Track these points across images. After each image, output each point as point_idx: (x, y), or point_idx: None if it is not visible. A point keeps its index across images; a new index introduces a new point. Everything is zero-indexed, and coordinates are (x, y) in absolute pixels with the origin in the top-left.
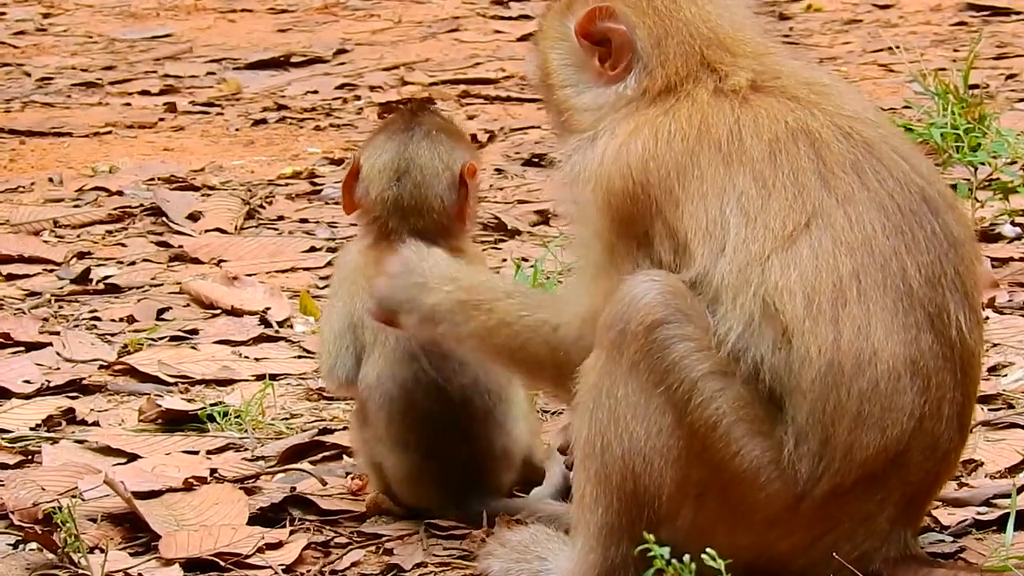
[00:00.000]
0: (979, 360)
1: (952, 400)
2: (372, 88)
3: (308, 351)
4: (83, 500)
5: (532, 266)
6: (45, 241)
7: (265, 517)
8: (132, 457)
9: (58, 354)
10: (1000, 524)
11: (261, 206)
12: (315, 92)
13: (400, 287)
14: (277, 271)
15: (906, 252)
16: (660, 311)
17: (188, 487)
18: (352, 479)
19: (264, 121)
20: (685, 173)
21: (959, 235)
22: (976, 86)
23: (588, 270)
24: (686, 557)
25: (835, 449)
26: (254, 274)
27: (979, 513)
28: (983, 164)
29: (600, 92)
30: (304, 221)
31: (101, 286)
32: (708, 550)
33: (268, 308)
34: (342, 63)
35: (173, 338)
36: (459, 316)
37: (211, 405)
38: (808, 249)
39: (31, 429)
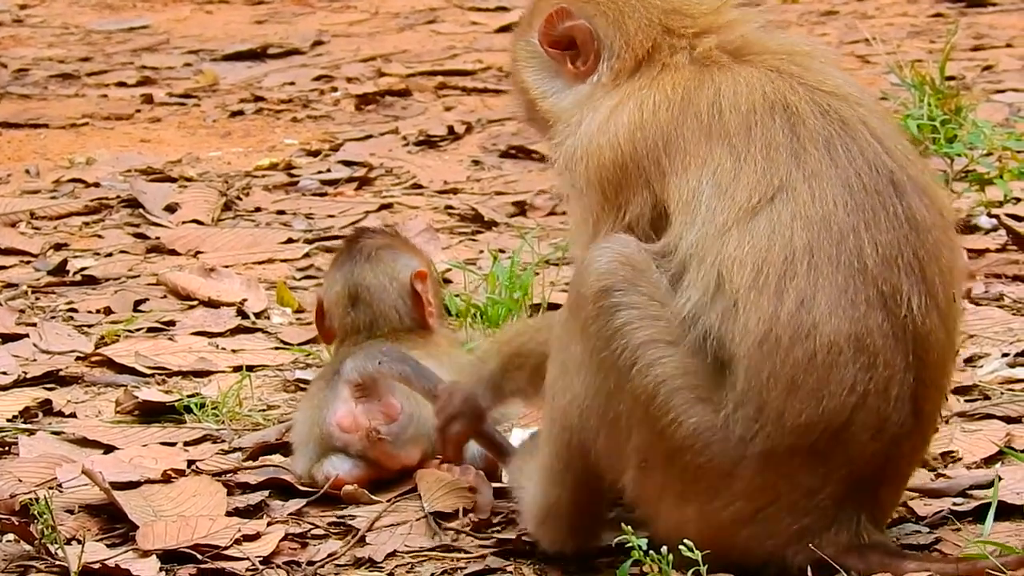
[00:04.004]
0: (939, 346)
1: (902, 381)
2: (349, 80)
3: (285, 342)
4: (60, 491)
5: (509, 257)
6: (22, 233)
7: (242, 508)
8: (109, 448)
9: (35, 345)
10: (976, 515)
11: (238, 197)
12: (292, 83)
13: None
14: (254, 262)
15: (864, 230)
16: (608, 278)
17: (166, 479)
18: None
19: (241, 112)
20: (670, 143)
21: (924, 220)
22: (952, 77)
23: (580, 245)
24: (663, 548)
25: (768, 414)
26: (231, 265)
27: (955, 504)
28: (959, 155)
29: (579, 89)
30: (281, 212)
31: (78, 277)
32: (685, 541)
33: (245, 299)
34: (319, 55)
35: (150, 329)
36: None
37: (188, 396)
38: (766, 222)
39: (8, 420)
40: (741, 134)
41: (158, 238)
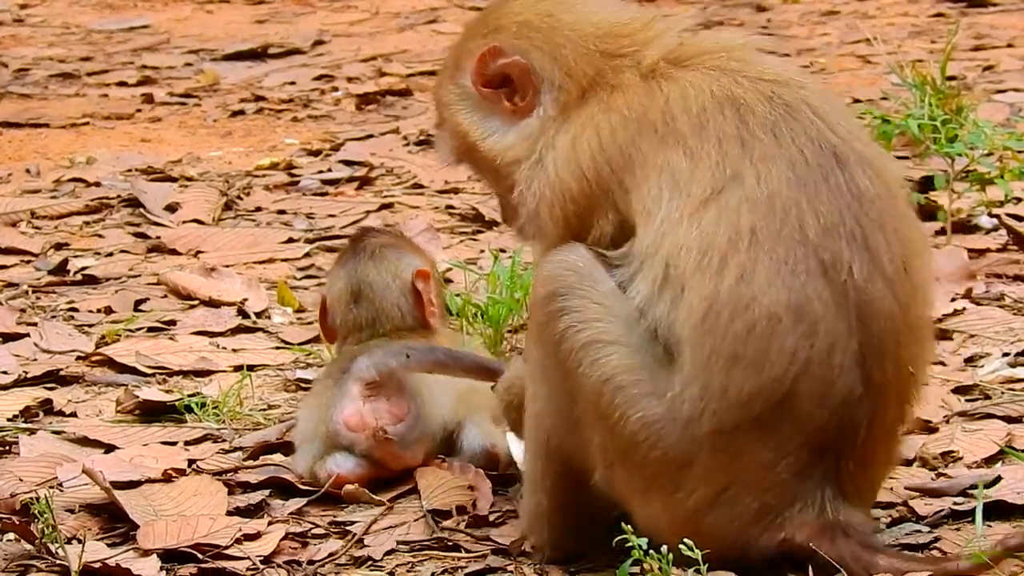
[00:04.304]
0: (888, 314)
1: (845, 348)
2: (350, 79)
3: (285, 342)
4: (61, 491)
5: (510, 257)
6: (22, 232)
7: (243, 508)
8: (110, 448)
9: (35, 345)
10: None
11: (239, 197)
12: (293, 83)
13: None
14: (255, 262)
15: (807, 203)
16: (552, 284)
17: (167, 478)
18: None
19: (242, 112)
20: (631, 160)
21: (867, 190)
22: (953, 77)
23: None
24: (663, 547)
25: (712, 391)
26: (232, 265)
27: (956, 503)
28: (960, 155)
29: (524, 124)
30: (282, 212)
31: (78, 277)
32: (685, 540)
33: (246, 299)
34: (320, 54)
35: (151, 329)
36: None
37: (189, 396)
38: (715, 210)
39: (8, 420)
40: (695, 134)
41: (159, 238)
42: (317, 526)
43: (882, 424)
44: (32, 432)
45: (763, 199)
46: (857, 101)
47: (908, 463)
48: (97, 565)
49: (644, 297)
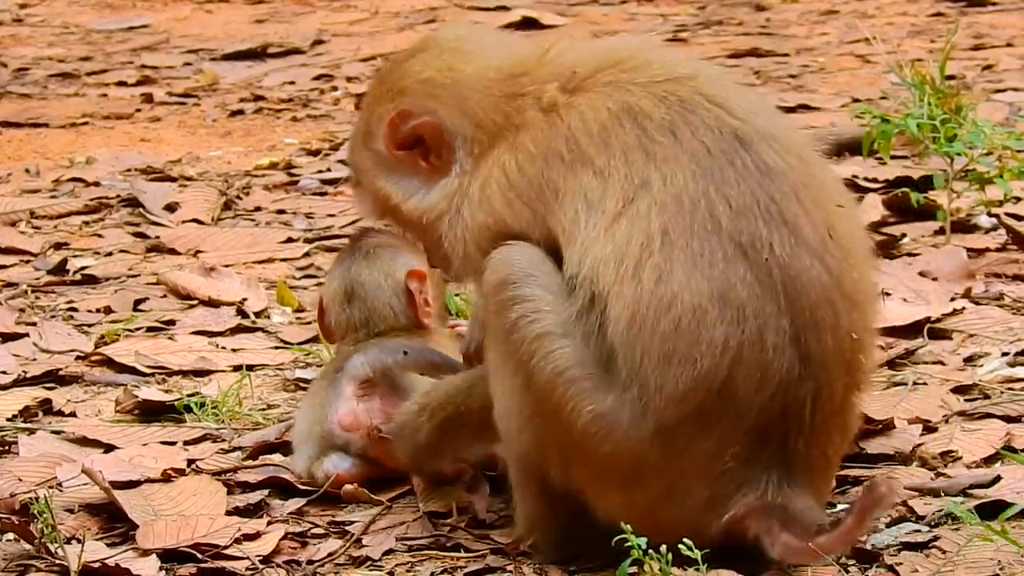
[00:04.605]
0: (818, 285)
1: (777, 328)
2: (349, 79)
3: (285, 342)
4: (60, 490)
5: None
6: (22, 232)
7: (242, 508)
8: (109, 448)
9: (35, 345)
10: (976, 514)
11: (238, 197)
12: (292, 83)
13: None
14: (254, 262)
15: (715, 191)
16: (505, 270)
17: (166, 478)
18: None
19: (241, 112)
20: (543, 190)
21: (777, 164)
22: (953, 77)
23: None
24: (663, 547)
25: (649, 390)
26: (231, 265)
27: (955, 503)
28: (959, 155)
29: (444, 183)
30: (281, 212)
31: (78, 277)
32: (685, 540)
33: (245, 299)
34: (319, 54)
35: (150, 329)
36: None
37: (188, 396)
38: (627, 221)
39: (8, 420)
40: (601, 153)
41: (158, 237)
42: (316, 526)
43: (830, 397)
44: (31, 432)
45: (671, 199)
46: (856, 100)
47: (907, 463)
48: (96, 565)
49: (575, 312)
